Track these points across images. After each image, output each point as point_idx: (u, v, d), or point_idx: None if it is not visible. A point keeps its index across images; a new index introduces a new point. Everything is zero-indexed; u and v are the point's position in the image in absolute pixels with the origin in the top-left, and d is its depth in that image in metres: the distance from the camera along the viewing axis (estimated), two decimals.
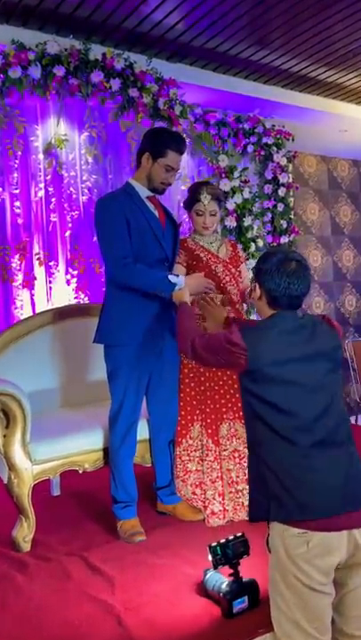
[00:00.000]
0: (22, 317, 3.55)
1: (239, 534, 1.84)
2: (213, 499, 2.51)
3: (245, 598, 1.75)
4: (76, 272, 3.79)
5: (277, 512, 1.55)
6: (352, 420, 5.49)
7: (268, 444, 1.59)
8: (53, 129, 3.67)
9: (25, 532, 2.36)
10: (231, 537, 1.82)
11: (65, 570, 2.17)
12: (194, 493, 2.57)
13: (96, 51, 3.50)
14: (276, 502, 1.55)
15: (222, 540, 1.80)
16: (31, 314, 3.58)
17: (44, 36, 3.40)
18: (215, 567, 1.79)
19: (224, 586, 1.78)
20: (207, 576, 1.86)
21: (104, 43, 3.66)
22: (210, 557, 1.79)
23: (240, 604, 1.74)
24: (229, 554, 1.77)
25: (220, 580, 1.82)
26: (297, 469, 1.54)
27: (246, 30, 3.67)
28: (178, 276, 2.35)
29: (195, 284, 2.35)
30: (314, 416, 1.57)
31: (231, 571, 1.80)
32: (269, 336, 1.63)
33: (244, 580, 1.79)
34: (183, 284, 2.31)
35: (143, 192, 2.44)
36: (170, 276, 2.32)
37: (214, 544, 1.79)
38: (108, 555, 2.27)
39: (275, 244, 4.71)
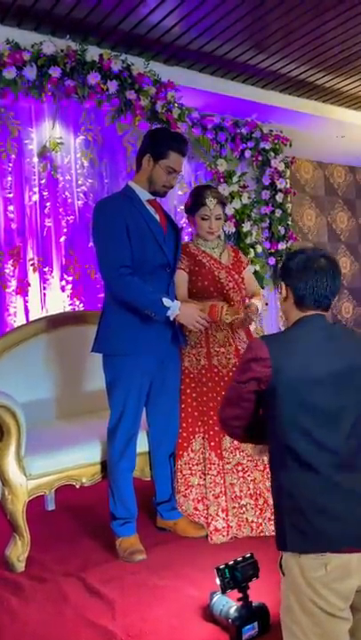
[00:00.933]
0: (16, 324, 3.45)
1: (248, 555, 1.74)
2: (217, 515, 2.41)
3: (255, 624, 1.66)
4: (71, 278, 3.70)
5: (294, 542, 1.44)
6: None
7: (286, 469, 1.47)
8: (48, 132, 3.59)
9: (19, 551, 2.25)
10: (240, 558, 1.72)
11: (62, 592, 2.06)
12: (196, 509, 2.48)
13: (93, 52, 3.42)
14: (294, 531, 1.43)
15: (230, 562, 1.70)
16: (25, 321, 3.48)
17: (40, 37, 3.32)
18: (224, 591, 1.69)
19: (232, 611, 1.68)
20: (214, 600, 1.76)
21: (101, 44, 3.59)
22: (218, 581, 1.69)
23: (250, 630, 1.64)
24: (238, 577, 1.68)
25: (227, 604, 1.72)
26: (318, 497, 1.43)
27: (244, 34, 3.62)
28: (174, 300, 2.25)
29: (189, 315, 2.24)
30: (339, 440, 1.44)
31: (239, 594, 1.70)
32: (295, 349, 1.50)
33: (253, 604, 1.70)
34: (177, 310, 2.22)
35: (144, 195, 2.35)
36: (164, 299, 2.21)
37: (222, 566, 1.69)
38: (106, 575, 2.16)
39: (273, 251, 4.65)
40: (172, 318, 2.24)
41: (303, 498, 1.44)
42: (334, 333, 1.56)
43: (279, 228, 4.66)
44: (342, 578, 1.40)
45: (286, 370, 1.46)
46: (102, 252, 2.28)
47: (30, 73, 3.18)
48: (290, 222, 4.79)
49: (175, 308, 2.22)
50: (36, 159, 3.57)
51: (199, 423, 2.49)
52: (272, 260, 4.66)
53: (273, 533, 2.16)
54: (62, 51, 3.30)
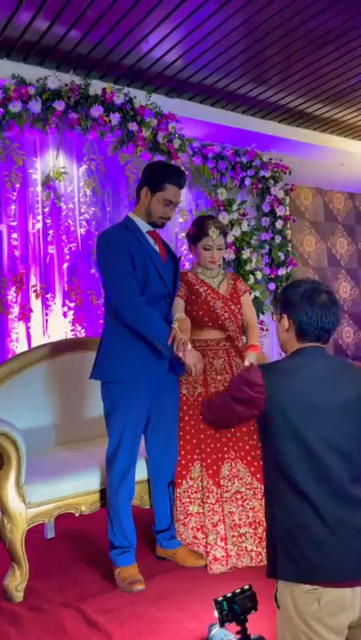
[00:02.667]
0: (18, 350, 3.48)
1: (246, 587, 1.73)
2: (215, 544, 2.40)
3: None
4: (72, 304, 3.74)
5: (286, 571, 1.44)
6: None
7: (281, 496, 1.48)
8: (52, 162, 3.67)
9: (17, 581, 2.24)
10: (238, 590, 1.70)
11: (60, 623, 2.04)
12: (195, 537, 2.46)
13: (96, 86, 3.52)
14: (288, 560, 1.44)
15: (229, 594, 1.69)
16: (27, 347, 3.51)
17: (45, 72, 3.42)
18: (222, 624, 1.68)
19: None
20: (212, 632, 1.75)
21: (104, 78, 3.69)
22: (216, 613, 1.68)
23: None
24: (237, 609, 1.66)
25: (226, 636, 1.71)
26: (312, 527, 1.43)
27: (244, 67, 3.72)
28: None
29: (196, 356, 2.35)
30: (334, 470, 1.44)
31: (238, 627, 1.68)
32: (293, 378, 1.51)
33: (251, 637, 1.68)
34: (189, 347, 2.30)
35: (144, 226, 2.40)
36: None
37: (220, 598, 1.68)
38: (105, 605, 2.15)
39: (273, 277, 4.70)
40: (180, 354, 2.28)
41: (297, 527, 1.44)
42: (334, 365, 1.58)
43: (279, 254, 4.72)
44: (335, 613, 1.40)
45: (282, 398, 1.47)
46: (112, 284, 2.29)
47: (35, 106, 3.28)
48: (290, 248, 4.85)
49: (188, 346, 2.28)
50: (39, 188, 3.64)
51: (197, 451, 2.50)
52: (272, 286, 4.70)
53: None
54: (66, 85, 3.40)
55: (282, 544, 1.46)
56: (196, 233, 2.60)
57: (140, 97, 3.70)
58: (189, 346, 2.30)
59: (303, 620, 1.41)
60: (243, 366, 2.55)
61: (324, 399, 1.47)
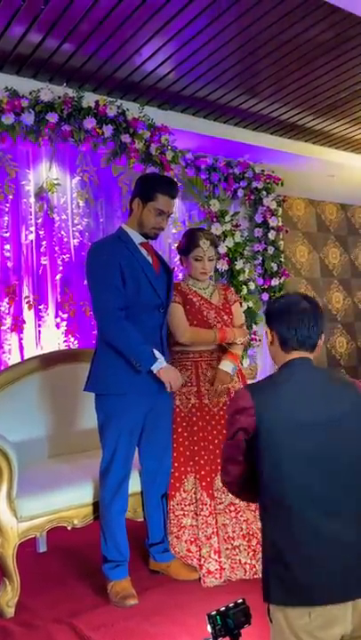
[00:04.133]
0: (10, 362, 3.46)
1: (240, 601, 1.71)
2: (209, 556, 2.38)
3: None
4: (65, 315, 3.73)
5: (277, 595, 1.43)
6: None
7: (273, 515, 1.47)
8: (45, 173, 3.68)
9: (9, 597, 2.21)
10: (231, 604, 1.68)
11: (52, 639, 2.01)
12: (189, 550, 2.45)
13: (89, 98, 3.54)
14: (278, 584, 1.42)
15: (222, 608, 1.66)
16: (20, 358, 3.49)
17: (38, 84, 3.44)
18: (215, 639, 1.66)
19: None
20: None
21: (97, 91, 3.71)
22: (209, 628, 1.66)
23: None
24: (230, 624, 1.63)
25: None
26: (302, 547, 1.41)
27: (236, 80, 3.76)
28: (162, 356, 2.30)
29: (171, 372, 2.31)
30: (324, 486, 1.43)
31: None
32: (280, 394, 1.51)
33: None
34: (164, 363, 2.28)
35: (137, 238, 2.41)
36: (155, 351, 2.27)
37: (213, 613, 1.66)
38: (97, 621, 2.12)
39: (266, 287, 4.72)
40: (155, 371, 2.27)
41: (287, 549, 1.42)
42: (320, 379, 1.57)
43: (272, 264, 4.74)
44: (325, 627, 1.40)
45: (270, 416, 1.46)
46: (97, 295, 2.31)
47: (28, 119, 3.29)
48: (282, 259, 4.87)
49: (162, 362, 2.27)
50: (32, 199, 3.64)
51: (191, 463, 2.49)
52: (265, 296, 4.71)
53: None
54: (59, 97, 3.42)
55: (273, 568, 1.45)
56: (187, 244, 2.61)
57: (132, 109, 3.72)
58: (163, 363, 2.28)
59: (295, 633, 1.41)
60: (217, 369, 2.53)
61: (309, 415, 1.46)
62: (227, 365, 2.52)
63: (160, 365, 2.27)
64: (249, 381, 2.71)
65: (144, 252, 2.40)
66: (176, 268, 3.28)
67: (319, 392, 1.52)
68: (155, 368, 2.26)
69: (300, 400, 1.49)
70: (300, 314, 1.57)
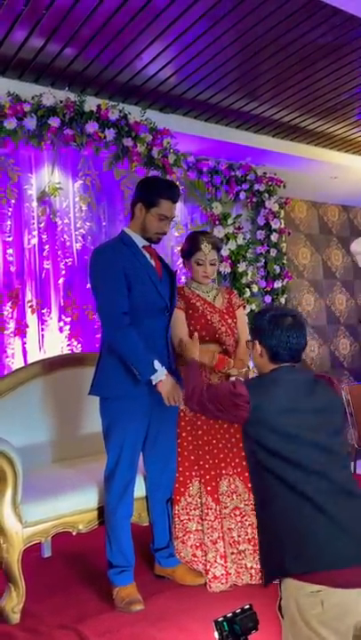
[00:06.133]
0: (14, 366, 3.45)
1: (247, 606, 1.70)
2: (215, 561, 2.37)
3: None
4: (69, 319, 3.73)
5: (293, 564, 1.47)
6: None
7: (279, 497, 1.55)
8: (47, 177, 3.68)
9: (14, 602, 2.20)
10: (238, 610, 1.67)
11: None
12: (194, 555, 2.43)
13: (91, 102, 3.55)
14: (291, 555, 1.48)
15: (229, 614, 1.65)
16: (23, 363, 3.48)
17: (40, 89, 3.45)
18: None
19: None
20: None
21: (99, 95, 3.72)
22: (216, 634, 1.65)
23: None
24: (237, 629, 1.62)
25: None
26: (310, 520, 1.49)
27: (237, 83, 3.76)
28: (162, 367, 2.26)
29: (170, 385, 2.26)
30: (322, 465, 1.54)
31: None
32: (273, 389, 1.65)
33: None
34: (163, 376, 2.24)
35: (139, 241, 2.40)
36: (155, 362, 2.24)
37: (220, 619, 1.64)
38: (103, 626, 2.11)
39: (269, 289, 4.71)
40: (154, 382, 2.24)
41: (294, 521, 1.50)
42: (306, 379, 1.72)
43: (275, 266, 4.73)
44: (339, 616, 1.42)
45: (265, 407, 1.60)
46: (101, 299, 2.30)
47: (30, 123, 3.29)
48: (285, 261, 4.87)
49: (162, 375, 2.24)
50: (35, 204, 3.65)
51: (195, 467, 2.47)
52: (268, 299, 4.71)
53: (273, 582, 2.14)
54: (61, 102, 3.43)
55: (278, 542, 1.52)
56: (189, 248, 2.61)
57: (134, 113, 3.73)
58: (163, 375, 2.25)
59: (308, 623, 1.43)
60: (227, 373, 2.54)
61: (299, 403, 1.61)
62: (234, 373, 2.51)
63: (159, 377, 2.24)
64: None
65: (147, 255, 2.40)
66: (178, 271, 3.28)
67: (305, 388, 1.67)
68: (154, 379, 2.24)
69: (289, 393, 1.63)
70: (289, 330, 1.68)
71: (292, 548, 1.49)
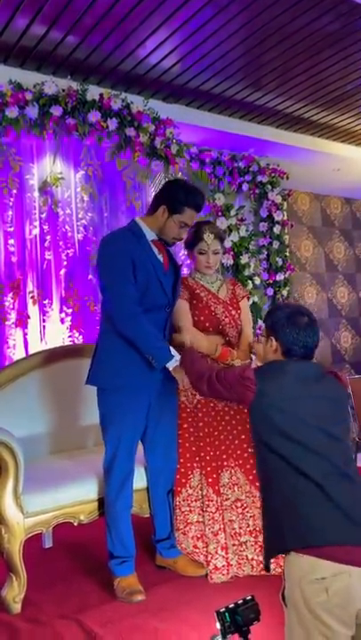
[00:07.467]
0: (15, 357, 3.45)
1: (249, 597, 1.70)
2: (216, 553, 2.37)
3: None
4: (70, 310, 3.72)
5: (291, 539, 1.51)
6: None
7: (280, 474, 1.58)
8: (49, 167, 3.66)
9: (15, 592, 2.20)
10: (240, 601, 1.67)
11: (58, 635, 2.00)
12: (195, 547, 2.43)
13: (93, 91, 3.52)
14: (290, 529, 1.52)
15: (231, 605, 1.65)
16: (24, 353, 3.48)
17: (42, 77, 3.42)
18: (224, 636, 1.64)
19: None
20: None
21: (101, 84, 3.69)
22: (218, 625, 1.65)
23: None
24: (239, 620, 1.62)
25: None
26: (312, 497, 1.51)
27: (241, 73, 3.73)
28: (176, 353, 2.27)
29: (180, 377, 2.24)
30: (325, 448, 1.57)
31: (240, 639, 1.65)
32: (281, 375, 1.69)
33: None
34: (178, 362, 2.23)
35: (150, 235, 2.36)
36: (171, 348, 2.25)
37: (222, 609, 1.64)
38: (104, 617, 2.11)
39: (271, 282, 4.69)
40: (170, 368, 2.24)
41: (295, 499, 1.54)
42: (315, 368, 1.74)
43: (277, 259, 4.72)
44: (344, 604, 1.42)
45: (272, 391, 1.63)
46: (110, 288, 2.27)
47: (32, 112, 3.27)
48: (287, 253, 4.85)
49: (176, 360, 2.24)
50: (36, 194, 3.62)
51: (197, 459, 2.47)
52: (270, 291, 4.69)
53: (274, 572, 2.15)
54: (63, 90, 3.40)
55: (278, 519, 1.56)
56: (192, 238, 2.59)
57: (137, 102, 3.70)
58: (178, 361, 2.25)
59: (312, 611, 1.43)
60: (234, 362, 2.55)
61: (307, 392, 1.64)
62: (238, 363, 2.50)
63: (176, 363, 2.24)
64: None
65: (155, 249, 2.37)
66: (182, 264, 3.26)
67: (313, 376, 1.70)
68: (170, 365, 2.23)
69: (297, 381, 1.66)
70: (306, 329, 1.73)
71: (291, 522, 1.52)
